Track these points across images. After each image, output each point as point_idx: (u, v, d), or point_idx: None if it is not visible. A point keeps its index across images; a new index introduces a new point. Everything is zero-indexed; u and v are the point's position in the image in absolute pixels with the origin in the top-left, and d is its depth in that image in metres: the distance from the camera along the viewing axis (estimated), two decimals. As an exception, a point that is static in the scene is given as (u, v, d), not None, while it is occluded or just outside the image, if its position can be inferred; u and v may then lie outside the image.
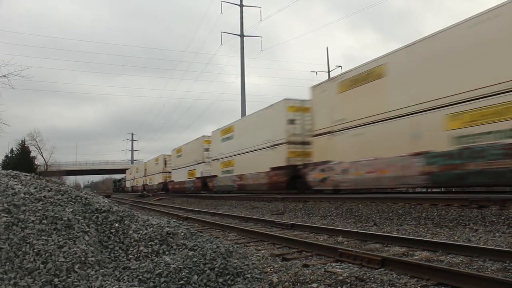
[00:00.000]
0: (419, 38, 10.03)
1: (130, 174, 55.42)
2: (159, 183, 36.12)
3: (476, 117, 8.27)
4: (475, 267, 3.94)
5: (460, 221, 6.91)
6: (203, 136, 25.35)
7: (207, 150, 24.67)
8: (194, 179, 25.98)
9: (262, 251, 5.28)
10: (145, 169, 43.71)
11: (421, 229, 6.74)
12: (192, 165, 26.61)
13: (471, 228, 6.45)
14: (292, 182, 15.17)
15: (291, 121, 15.49)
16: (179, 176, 29.69)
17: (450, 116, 8.82)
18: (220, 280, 3.48)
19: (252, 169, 17.83)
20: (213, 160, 22.93)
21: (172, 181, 31.96)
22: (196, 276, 3.41)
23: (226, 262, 3.73)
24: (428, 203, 8.48)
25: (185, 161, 28.21)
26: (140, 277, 3.31)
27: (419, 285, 3.34)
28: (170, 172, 33.68)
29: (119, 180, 71.07)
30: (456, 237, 5.77)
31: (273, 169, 16.05)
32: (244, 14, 30.14)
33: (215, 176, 22.20)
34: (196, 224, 9.19)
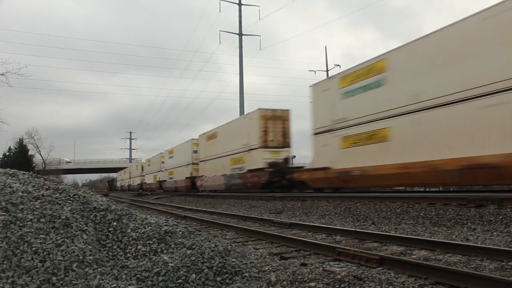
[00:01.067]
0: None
1: (120, 175, 66.69)
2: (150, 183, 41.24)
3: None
4: (473, 266, 3.95)
5: (458, 220, 6.93)
6: (192, 139, 27.92)
7: (195, 152, 27.01)
8: (184, 179, 28.35)
9: (260, 250, 5.28)
10: (130, 172, 53.11)
11: (419, 228, 6.76)
12: (182, 166, 29.11)
13: (469, 227, 6.46)
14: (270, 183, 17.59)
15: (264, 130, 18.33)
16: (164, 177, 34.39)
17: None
18: (218, 279, 3.48)
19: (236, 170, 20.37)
20: (201, 161, 25.33)
21: (162, 181, 35.12)
22: (194, 275, 3.40)
23: (224, 261, 3.73)
24: (426, 202, 8.49)
25: (175, 162, 30.90)
26: (138, 275, 3.31)
27: (417, 284, 3.35)
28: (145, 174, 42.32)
29: (112, 180, 77.68)
30: (454, 236, 5.79)
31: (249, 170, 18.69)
32: (243, 12, 30.18)
33: (203, 176, 24.79)
34: (194, 223, 9.19)
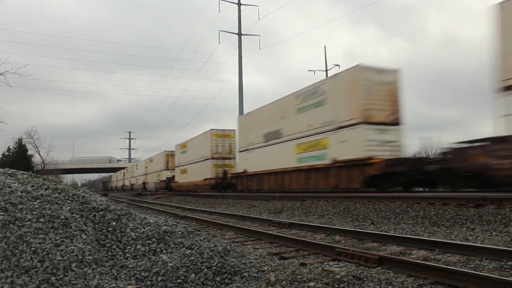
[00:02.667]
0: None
1: (112, 177, 76.04)
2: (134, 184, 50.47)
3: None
4: (472, 266, 3.96)
5: (457, 220, 6.93)
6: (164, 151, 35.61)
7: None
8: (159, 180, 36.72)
9: (260, 250, 5.28)
10: (131, 172, 56.72)
11: (418, 228, 6.76)
12: (159, 171, 37.15)
13: (468, 227, 6.47)
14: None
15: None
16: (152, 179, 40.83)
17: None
18: (218, 278, 3.48)
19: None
20: (176, 167, 31.31)
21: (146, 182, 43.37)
22: (193, 275, 3.40)
23: (224, 260, 3.73)
24: (426, 202, 8.50)
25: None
26: (138, 275, 3.31)
27: (416, 284, 3.35)
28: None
29: (106, 181, 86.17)
30: (453, 236, 5.79)
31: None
32: (243, 11, 30.20)
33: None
34: (194, 223, 9.18)
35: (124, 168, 63.32)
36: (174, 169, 32.68)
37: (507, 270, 3.71)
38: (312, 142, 14.55)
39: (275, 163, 16.95)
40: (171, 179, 33.14)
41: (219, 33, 31.09)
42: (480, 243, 5.06)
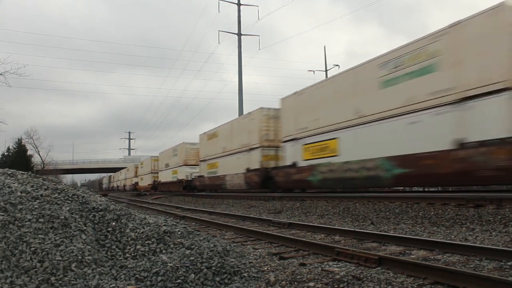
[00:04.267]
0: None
1: (106, 178, 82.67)
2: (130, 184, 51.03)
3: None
4: (471, 266, 3.96)
5: (457, 220, 6.94)
6: (151, 156, 36.83)
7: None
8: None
9: (259, 250, 5.28)
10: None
11: (418, 228, 6.76)
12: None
13: (467, 227, 6.47)
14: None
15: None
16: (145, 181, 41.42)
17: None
18: (217, 279, 3.48)
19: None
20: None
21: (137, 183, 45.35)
22: (193, 275, 3.40)
23: (223, 261, 3.73)
24: (425, 202, 8.50)
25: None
26: (137, 275, 3.31)
27: (415, 284, 3.35)
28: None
29: (101, 182, 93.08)
30: (452, 236, 5.79)
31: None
32: (243, 11, 30.17)
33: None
34: (193, 223, 9.18)
35: (124, 168, 62.81)
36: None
37: (507, 270, 3.71)
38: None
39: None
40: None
41: (218, 33, 31.10)
42: (479, 243, 5.07)
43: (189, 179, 27.66)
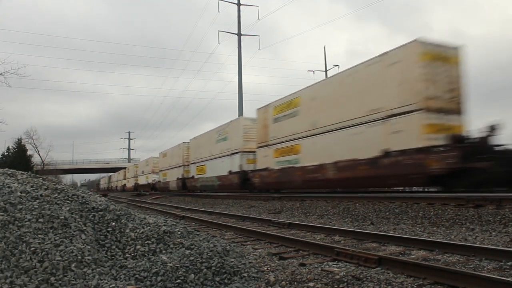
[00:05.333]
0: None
1: (105, 179, 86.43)
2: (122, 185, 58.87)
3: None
4: (471, 266, 3.96)
5: (457, 220, 6.94)
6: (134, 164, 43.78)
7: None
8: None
9: (259, 250, 5.28)
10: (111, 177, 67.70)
11: (417, 228, 6.76)
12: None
13: (467, 228, 6.47)
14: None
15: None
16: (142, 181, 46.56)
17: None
18: (217, 279, 3.48)
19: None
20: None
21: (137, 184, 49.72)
22: (193, 275, 3.40)
23: (223, 261, 3.73)
24: (425, 202, 8.50)
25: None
26: (137, 276, 3.31)
27: (415, 284, 3.35)
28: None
29: (98, 183, 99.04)
30: (452, 236, 5.79)
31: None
32: (244, 10, 30.18)
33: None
34: (193, 223, 9.18)
35: (124, 168, 63.15)
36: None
37: (507, 270, 3.71)
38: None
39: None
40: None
41: (218, 33, 31.11)
42: (479, 244, 5.07)
43: (154, 182, 39.00)
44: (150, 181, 40.82)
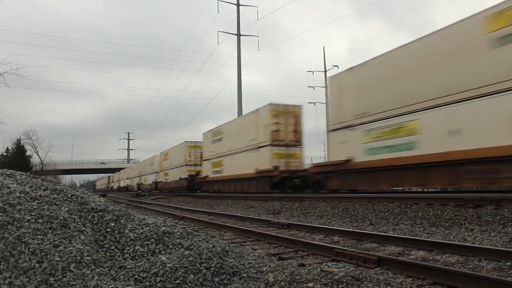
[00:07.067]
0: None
1: (104, 179, 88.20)
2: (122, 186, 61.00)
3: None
4: (470, 266, 3.96)
5: (456, 221, 6.94)
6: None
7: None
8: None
9: (258, 251, 5.28)
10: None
11: (417, 229, 6.77)
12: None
13: (466, 228, 6.47)
14: None
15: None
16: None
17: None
18: (216, 279, 3.48)
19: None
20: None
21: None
22: (192, 276, 3.40)
23: (222, 261, 3.73)
24: (424, 202, 8.51)
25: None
26: (136, 276, 3.30)
27: (414, 284, 3.35)
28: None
29: (94, 184, 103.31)
30: (451, 237, 5.80)
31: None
32: (245, 10, 30.17)
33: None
34: (192, 224, 9.17)
35: (123, 168, 63.39)
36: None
37: (506, 270, 3.71)
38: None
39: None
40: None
41: (218, 34, 31.13)
42: (478, 244, 5.07)
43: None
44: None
